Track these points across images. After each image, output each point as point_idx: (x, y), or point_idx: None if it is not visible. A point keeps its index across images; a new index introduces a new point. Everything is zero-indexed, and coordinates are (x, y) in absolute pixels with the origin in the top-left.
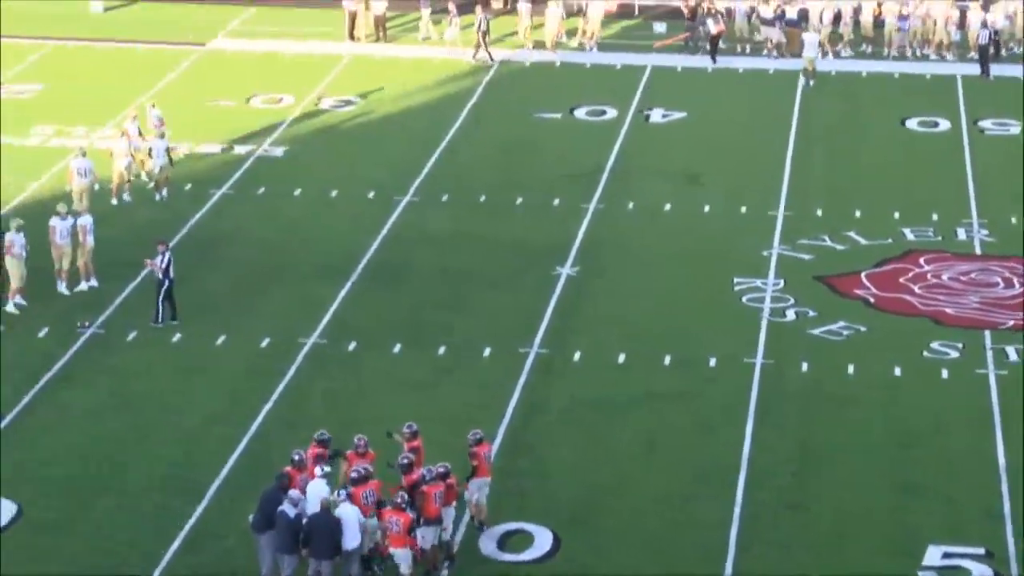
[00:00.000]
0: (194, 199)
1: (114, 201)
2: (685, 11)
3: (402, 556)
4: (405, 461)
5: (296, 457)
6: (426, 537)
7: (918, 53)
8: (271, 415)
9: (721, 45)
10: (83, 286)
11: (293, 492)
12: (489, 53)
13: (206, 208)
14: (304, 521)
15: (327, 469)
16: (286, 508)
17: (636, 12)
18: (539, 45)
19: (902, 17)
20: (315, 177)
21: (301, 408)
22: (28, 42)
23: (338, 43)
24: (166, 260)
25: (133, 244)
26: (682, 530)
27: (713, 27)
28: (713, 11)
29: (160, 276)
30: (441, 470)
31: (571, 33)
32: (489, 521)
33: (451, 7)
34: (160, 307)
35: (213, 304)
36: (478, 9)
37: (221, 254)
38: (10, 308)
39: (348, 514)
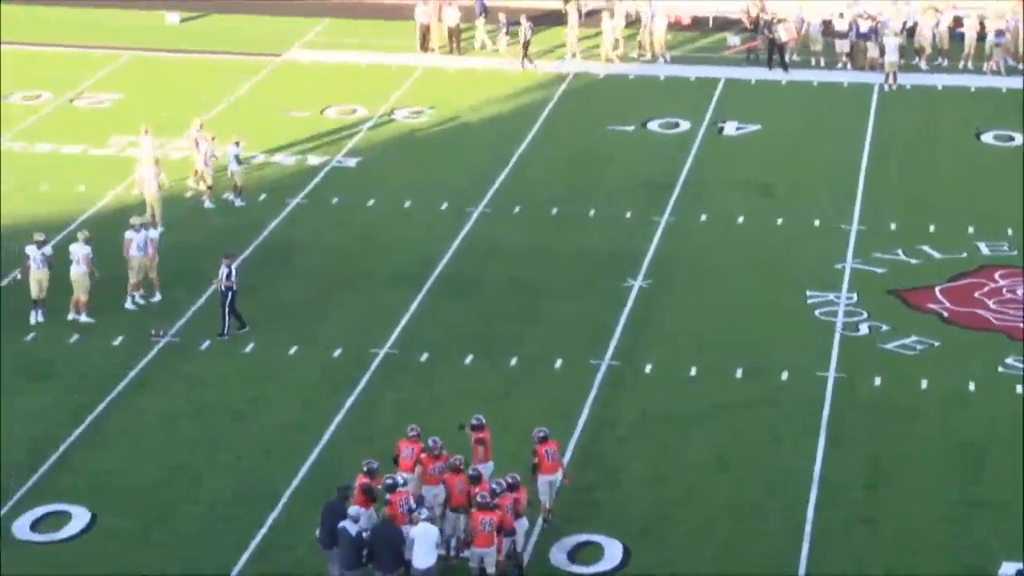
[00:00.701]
0: (269, 208)
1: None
2: (746, 21)
3: (489, 555)
4: (474, 473)
5: (375, 466)
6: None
7: (995, 67)
8: (343, 425)
9: (795, 58)
10: (153, 299)
11: (352, 508)
12: (529, 59)
13: (281, 217)
14: (366, 535)
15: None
16: (347, 525)
17: (710, 24)
18: (606, 59)
19: (999, 33)
20: (388, 187)
21: (373, 418)
22: (106, 52)
23: (412, 55)
24: (231, 273)
25: (209, 251)
26: (753, 543)
27: (784, 34)
28: (778, 19)
29: (223, 289)
30: (510, 480)
31: (628, 39)
32: (555, 517)
33: (501, 18)
34: (226, 319)
35: (286, 313)
36: (523, 19)
37: (295, 263)
38: (83, 318)
39: (427, 533)
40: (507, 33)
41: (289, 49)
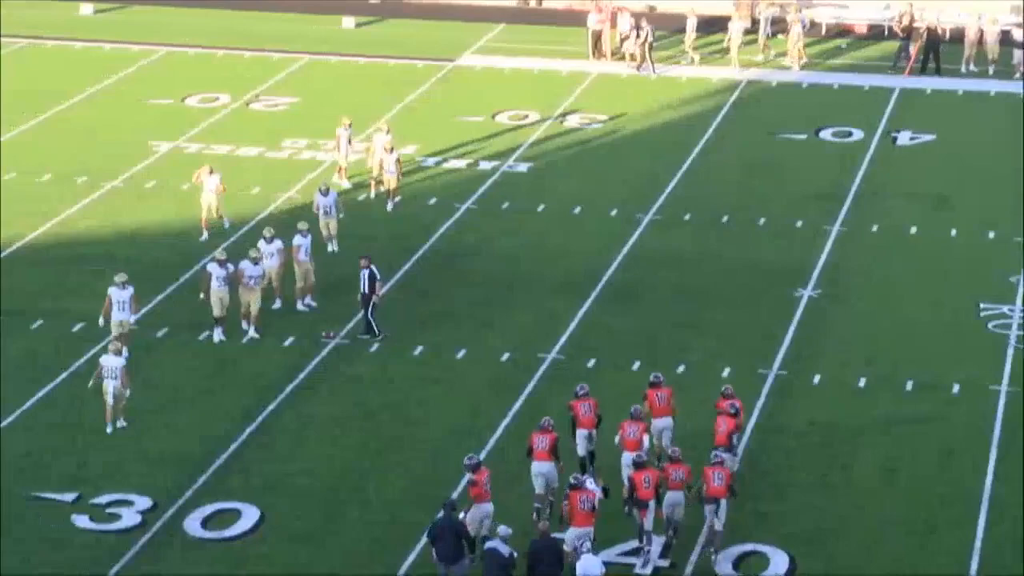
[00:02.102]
0: (439, 212)
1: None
2: (898, 31)
3: (585, 535)
4: (638, 459)
5: (552, 422)
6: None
7: None
8: (510, 430)
9: (973, 68)
10: (299, 306)
11: (502, 528)
12: (651, 62)
13: (450, 222)
14: (528, 551)
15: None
16: (498, 546)
17: (886, 33)
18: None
19: None
20: (558, 193)
21: None
22: (282, 56)
23: (584, 61)
24: (374, 274)
25: (378, 255)
26: (922, 558)
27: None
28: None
29: (365, 291)
30: (673, 455)
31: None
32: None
33: (629, 22)
34: (371, 320)
35: (455, 317)
36: (644, 21)
37: (464, 267)
38: (252, 331)
39: (592, 565)
40: (637, 37)
41: (462, 54)
